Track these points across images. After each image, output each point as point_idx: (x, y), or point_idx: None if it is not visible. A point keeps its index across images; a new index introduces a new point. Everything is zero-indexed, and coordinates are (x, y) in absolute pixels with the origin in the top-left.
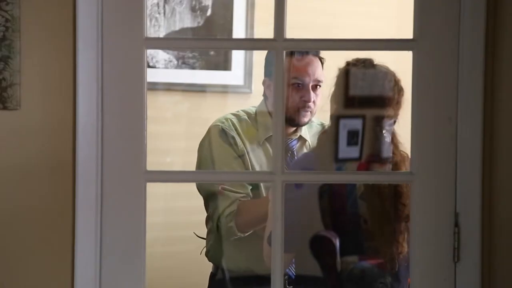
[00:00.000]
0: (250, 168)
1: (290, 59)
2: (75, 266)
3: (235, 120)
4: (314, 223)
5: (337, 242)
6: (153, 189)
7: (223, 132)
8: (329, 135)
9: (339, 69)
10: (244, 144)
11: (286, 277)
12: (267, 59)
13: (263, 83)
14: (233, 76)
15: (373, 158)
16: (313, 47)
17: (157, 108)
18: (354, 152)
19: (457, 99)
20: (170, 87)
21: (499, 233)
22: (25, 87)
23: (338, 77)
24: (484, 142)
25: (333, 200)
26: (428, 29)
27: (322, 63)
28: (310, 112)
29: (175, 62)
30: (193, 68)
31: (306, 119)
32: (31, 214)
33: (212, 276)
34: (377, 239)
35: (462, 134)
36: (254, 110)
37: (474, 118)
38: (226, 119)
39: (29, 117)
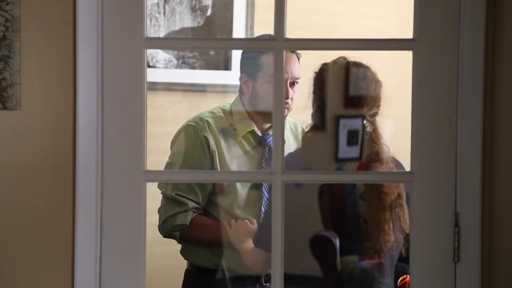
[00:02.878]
0: (218, 167)
1: (266, 57)
2: (75, 266)
3: (210, 119)
4: (301, 222)
5: (337, 242)
6: (154, 189)
7: (195, 133)
8: (316, 135)
9: (315, 72)
10: (218, 143)
11: (264, 275)
12: (243, 56)
13: (240, 79)
14: (233, 76)
15: (370, 158)
16: (313, 47)
17: (158, 108)
18: (353, 151)
19: (457, 99)
20: (170, 87)
21: (499, 233)
22: (25, 87)
23: (315, 78)
24: (484, 142)
25: (333, 200)
26: (428, 29)
27: (298, 59)
28: (287, 108)
29: (175, 62)
30: (193, 68)
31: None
32: (31, 214)
33: (187, 273)
34: (368, 230)
35: (462, 134)
36: (229, 107)
37: (474, 118)
38: (201, 119)
39: (29, 117)
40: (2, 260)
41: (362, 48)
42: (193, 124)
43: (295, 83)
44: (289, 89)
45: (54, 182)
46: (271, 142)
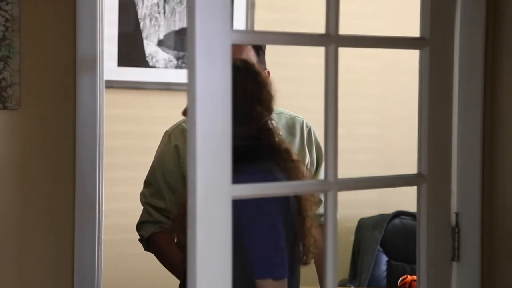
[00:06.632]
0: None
1: None
2: (75, 266)
3: (185, 125)
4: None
5: None
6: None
7: (168, 140)
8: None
9: None
10: None
11: None
12: None
13: None
14: None
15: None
16: (363, 45)
17: (159, 108)
18: None
19: (458, 99)
20: (170, 87)
21: (499, 233)
22: (25, 87)
23: None
24: (484, 142)
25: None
26: (439, 28)
27: (259, 50)
28: None
29: (175, 62)
30: None
31: None
32: (31, 213)
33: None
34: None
35: (462, 134)
36: None
37: (474, 118)
38: (178, 126)
39: (29, 117)
40: (1, 260)
41: (375, 46)
42: (170, 130)
43: None
44: None
45: (54, 182)
46: None
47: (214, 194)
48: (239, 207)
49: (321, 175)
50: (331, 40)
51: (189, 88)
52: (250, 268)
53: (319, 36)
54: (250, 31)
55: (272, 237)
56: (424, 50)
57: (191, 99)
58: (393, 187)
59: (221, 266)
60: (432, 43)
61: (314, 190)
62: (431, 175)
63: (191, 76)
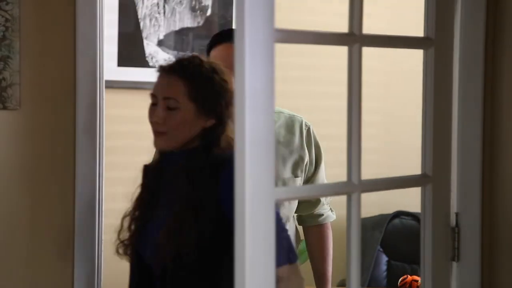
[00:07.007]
0: None
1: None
2: (75, 266)
3: None
4: None
5: None
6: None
7: None
8: None
9: None
10: None
11: None
12: None
13: None
14: None
15: None
16: (386, 44)
17: None
18: None
19: (458, 99)
20: None
21: (499, 233)
22: (25, 87)
23: None
24: (484, 142)
25: None
26: (444, 28)
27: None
28: None
29: None
30: None
31: None
32: (31, 213)
33: None
34: None
35: (462, 134)
36: None
37: (474, 118)
38: None
39: (29, 117)
40: (1, 259)
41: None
42: None
43: None
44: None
45: (54, 182)
46: None
47: (259, 196)
48: None
49: (321, 174)
50: (356, 39)
51: (238, 90)
52: None
53: (343, 35)
54: (292, 30)
55: (280, 227)
56: (429, 50)
57: (240, 101)
58: (403, 188)
59: (266, 266)
60: (437, 43)
61: (339, 192)
62: (435, 175)
63: (240, 78)
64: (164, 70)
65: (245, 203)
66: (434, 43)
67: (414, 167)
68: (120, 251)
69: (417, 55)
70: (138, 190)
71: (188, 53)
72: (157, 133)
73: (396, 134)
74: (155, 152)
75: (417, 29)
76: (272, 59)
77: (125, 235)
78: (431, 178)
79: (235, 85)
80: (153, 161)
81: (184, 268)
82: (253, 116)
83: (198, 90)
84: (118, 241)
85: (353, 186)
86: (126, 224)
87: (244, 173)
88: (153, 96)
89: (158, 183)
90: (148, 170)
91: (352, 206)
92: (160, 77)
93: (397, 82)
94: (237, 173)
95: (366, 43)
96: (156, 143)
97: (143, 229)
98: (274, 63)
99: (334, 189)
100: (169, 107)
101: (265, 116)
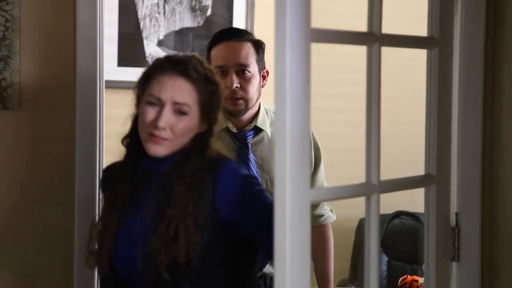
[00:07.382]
0: None
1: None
2: (75, 265)
3: None
4: None
5: None
6: None
7: None
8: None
9: None
10: None
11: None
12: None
13: None
14: None
15: None
16: (407, 44)
17: None
18: None
19: (458, 99)
20: None
21: (499, 233)
22: (25, 87)
23: None
24: (484, 142)
25: None
26: (449, 28)
27: (259, 48)
28: (242, 98)
29: None
30: None
31: (238, 107)
32: (31, 213)
33: None
34: None
35: (462, 134)
36: None
37: (474, 118)
38: None
39: (29, 117)
40: (1, 259)
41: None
42: None
43: (244, 71)
44: (234, 77)
45: (54, 182)
46: (248, 138)
47: (296, 197)
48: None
49: (320, 175)
50: (375, 39)
51: (278, 90)
52: (265, 254)
53: (362, 34)
54: (328, 30)
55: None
56: (434, 50)
57: (281, 102)
58: (411, 188)
59: (303, 264)
60: (442, 43)
61: (359, 194)
62: (439, 175)
63: (281, 78)
64: (171, 70)
65: (285, 203)
66: (438, 42)
67: (409, 167)
68: (91, 263)
69: (417, 55)
70: (103, 197)
71: (189, 53)
72: (158, 139)
73: (396, 134)
74: (125, 154)
75: (407, 28)
76: (309, 59)
77: (94, 245)
78: (435, 179)
79: (275, 86)
80: (119, 164)
81: (180, 277)
82: (293, 116)
83: (204, 95)
84: (87, 253)
85: (373, 187)
86: (95, 234)
87: (285, 174)
88: (154, 97)
89: (132, 188)
90: (112, 174)
91: (372, 207)
92: (167, 78)
93: (397, 82)
94: (277, 173)
95: (385, 43)
96: (152, 149)
97: (119, 238)
98: (310, 63)
99: (354, 191)
100: (180, 111)
101: (303, 117)
